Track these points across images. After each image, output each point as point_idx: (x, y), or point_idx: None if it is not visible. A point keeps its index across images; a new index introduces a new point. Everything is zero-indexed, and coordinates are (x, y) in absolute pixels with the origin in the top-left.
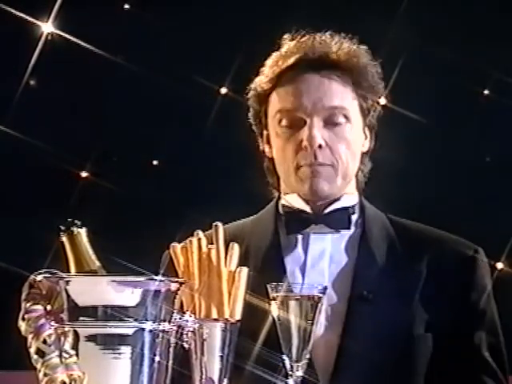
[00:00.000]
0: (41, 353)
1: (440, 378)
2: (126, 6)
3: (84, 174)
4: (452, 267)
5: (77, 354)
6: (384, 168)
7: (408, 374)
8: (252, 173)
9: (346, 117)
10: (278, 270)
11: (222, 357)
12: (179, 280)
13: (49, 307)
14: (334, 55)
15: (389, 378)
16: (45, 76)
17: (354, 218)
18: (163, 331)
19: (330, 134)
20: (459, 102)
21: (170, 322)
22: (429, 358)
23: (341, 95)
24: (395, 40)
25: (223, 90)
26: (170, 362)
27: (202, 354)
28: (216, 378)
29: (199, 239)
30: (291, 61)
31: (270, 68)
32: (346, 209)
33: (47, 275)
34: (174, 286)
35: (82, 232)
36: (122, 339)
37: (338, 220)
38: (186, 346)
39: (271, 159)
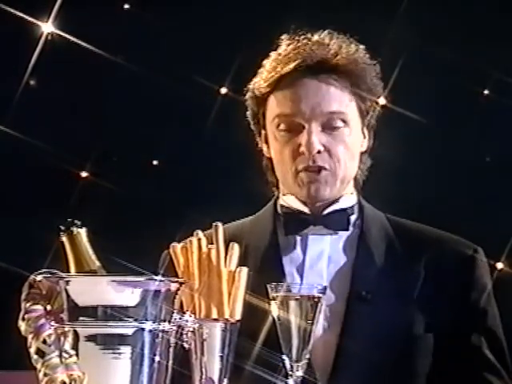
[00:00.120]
0: (41, 353)
1: (441, 378)
2: (126, 6)
3: (84, 174)
4: (451, 267)
5: (77, 354)
6: (384, 168)
7: (407, 374)
8: (252, 173)
9: (344, 121)
10: (276, 271)
11: (221, 357)
12: (179, 280)
13: (49, 307)
14: (332, 60)
15: (388, 378)
16: (45, 76)
17: (353, 218)
18: (163, 331)
19: (329, 138)
20: (459, 102)
21: (169, 322)
22: (428, 358)
23: (339, 99)
24: (395, 40)
25: (223, 90)
26: (170, 362)
27: (202, 354)
28: (216, 378)
29: (199, 239)
30: (290, 67)
31: (268, 72)
32: (344, 210)
33: (47, 275)
34: (173, 286)
35: (82, 232)
36: (122, 339)
37: (336, 221)
38: (185, 345)
39: (269, 159)
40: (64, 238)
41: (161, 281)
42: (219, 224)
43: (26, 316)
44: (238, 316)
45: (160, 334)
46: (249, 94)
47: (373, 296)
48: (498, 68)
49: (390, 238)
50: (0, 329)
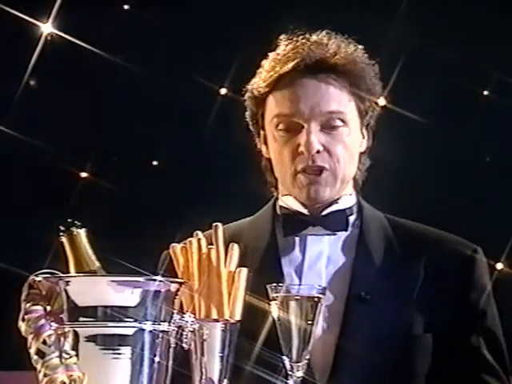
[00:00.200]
0: (41, 353)
1: (440, 379)
2: (126, 6)
3: (84, 174)
4: (451, 267)
5: (77, 355)
6: (384, 168)
7: (406, 374)
8: (252, 173)
9: (343, 121)
10: (275, 271)
11: (221, 357)
12: (179, 280)
13: (49, 308)
14: (331, 60)
15: (387, 378)
16: (45, 76)
17: (352, 219)
18: (163, 332)
19: (328, 138)
20: (459, 102)
21: (169, 322)
22: (428, 359)
23: (338, 99)
24: (395, 40)
25: (223, 91)
26: (170, 362)
27: (202, 354)
28: (216, 378)
29: (199, 240)
30: (289, 66)
31: (267, 72)
32: (343, 211)
33: (47, 275)
34: (173, 287)
35: (82, 232)
36: (122, 339)
37: (335, 222)
38: (185, 346)
39: (268, 159)
40: (64, 239)
41: (161, 281)
42: (219, 224)
43: (26, 316)
44: (237, 316)
45: (160, 335)
46: (248, 95)
47: (372, 296)
48: (498, 68)
49: (389, 237)
50: (0, 329)
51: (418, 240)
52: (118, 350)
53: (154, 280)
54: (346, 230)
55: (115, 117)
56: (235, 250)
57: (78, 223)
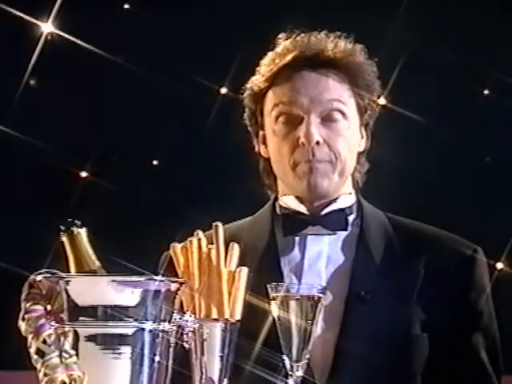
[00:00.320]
0: (41, 353)
1: (438, 378)
2: (126, 6)
3: (84, 174)
4: (451, 267)
5: (77, 354)
6: (384, 168)
7: (406, 373)
8: (252, 173)
9: (342, 114)
10: (274, 271)
11: (221, 357)
12: (179, 280)
13: (49, 307)
14: (329, 53)
15: (387, 377)
16: (45, 76)
17: (351, 218)
18: (163, 331)
19: (328, 131)
20: (459, 102)
21: (170, 322)
22: (427, 358)
23: (338, 91)
24: (395, 40)
25: (223, 90)
26: (170, 362)
27: (202, 353)
28: (216, 378)
29: (199, 239)
30: (288, 58)
31: (266, 67)
32: (342, 210)
33: (47, 275)
34: (173, 286)
35: (82, 232)
36: (122, 339)
37: (335, 221)
38: (186, 345)
39: (267, 159)
40: (64, 238)
41: (161, 281)
42: (219, 224)
43: (26, 316)
44: (238, 316)
45: (160, 334)
46: (247, 92)
47: (372, 296)
48: (498, 68)
49: (389, 235)
50: (0, 329)
51: (418, 239)
52: (118, 349)
53: (154, 280)
54: (345, 230)
55: (115, 117)
56: (235, 249)
57: (78, 223)
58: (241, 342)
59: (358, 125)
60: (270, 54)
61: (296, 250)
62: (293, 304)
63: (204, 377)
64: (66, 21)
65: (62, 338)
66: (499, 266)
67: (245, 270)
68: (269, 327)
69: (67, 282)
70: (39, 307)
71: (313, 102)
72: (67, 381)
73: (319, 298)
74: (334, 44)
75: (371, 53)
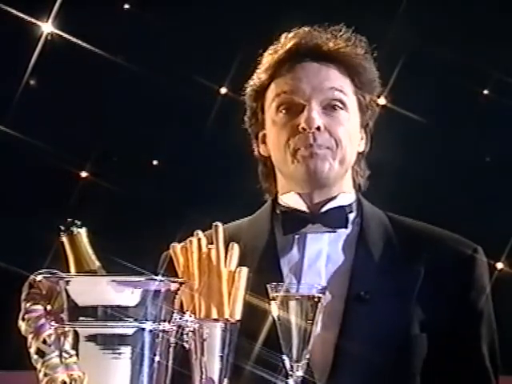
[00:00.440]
0: (41, 353)
1: (437, 378)
2: (126, 6)
3: (84, 174)
4: (451, 266)
5: (77, 354)
6: (384, 168)
7: (405, 373)
8: (252, 173)
9: (343, 104)
10: (274, 271)
11: (222, 357)
12: (179, 280)
13: (49, 307)
14: (330, 43)
15: (386, 377)
16: (45, 76)
17: (352, 216)
18: (163, 331)
19: (328, 120)
20: (459, 102)
21: (170, 322)
22: (427, 358)
23: (339, 81)
24: (395, 40)
25: (223, 90)
26: (170, 362)
27: (202, 354)
28: (216, 378)
29: (199, 239)
30: (288, 47)
31: (266, 58)
32: (342, 207)
33: (47, 275)
34: (173, 286)
35: (82, 232)
36: (122, 339)
37: (335, 219)
38: (186, 345)
39: (268, 158)
40: (64, 238)
41: (161, 281)
42: (219, 224)
43: (26, 316)
44: (237, 316)
45: (160, 334)
46: (248, 90)
47: (371, 296)
48: (498, 68)
49: (388, 234)
50: (0, 329)
51: (418, 238)
52: (118, 349)
53: (154, 280)
54: (345, 227)
55: (115, 117)
56: (235, 249)
57: (78, 223)
58: (241, 342)
59: (359, 123)
60: (271, 48)
61: (295, 250)
62: (293, 304)
63: (204, 377)
64: (66, 21)
65: (62, 338)
66: (499, 265)
67: (245, 270)
68: (269, 327)
69: (67, 282)
70: (39, 307)
71: (314, 90)
72: (67, 381)
73: (319, 297)
74: (335, 35)
75: (371, 53)
